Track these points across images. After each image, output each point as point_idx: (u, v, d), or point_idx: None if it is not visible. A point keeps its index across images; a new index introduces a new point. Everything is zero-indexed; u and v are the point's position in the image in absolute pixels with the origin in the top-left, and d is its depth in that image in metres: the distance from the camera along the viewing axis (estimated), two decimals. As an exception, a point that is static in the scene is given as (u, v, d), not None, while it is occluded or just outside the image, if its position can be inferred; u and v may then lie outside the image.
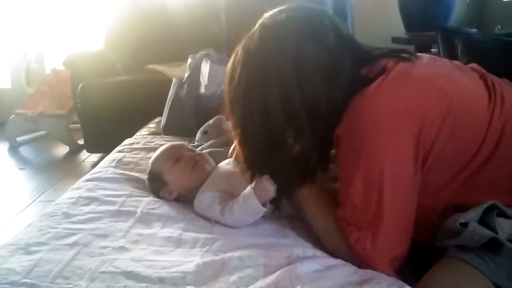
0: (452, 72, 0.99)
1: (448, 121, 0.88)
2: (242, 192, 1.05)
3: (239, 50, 0.96)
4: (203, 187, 1.17)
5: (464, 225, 0.85)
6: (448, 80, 0.94)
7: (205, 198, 1.13)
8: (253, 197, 1.02)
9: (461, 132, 0.89)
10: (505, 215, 0.86)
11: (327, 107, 0.91)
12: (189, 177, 1.21)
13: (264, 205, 1.03)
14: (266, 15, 0.96)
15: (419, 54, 1.01)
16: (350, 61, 0.93)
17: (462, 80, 0.97)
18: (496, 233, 0.83)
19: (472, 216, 0.86)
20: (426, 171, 0.89)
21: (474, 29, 2.35)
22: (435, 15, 2.74)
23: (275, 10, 0.96)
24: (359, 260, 0.91)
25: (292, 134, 0.93)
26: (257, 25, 0.96)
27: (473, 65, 1.05)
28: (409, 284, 0.84)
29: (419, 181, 0.89)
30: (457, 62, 1.05)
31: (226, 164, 1.25)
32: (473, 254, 0.84)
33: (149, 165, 1.30)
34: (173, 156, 1.26)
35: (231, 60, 0.98)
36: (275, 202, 1.05)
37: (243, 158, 1.02)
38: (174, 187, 1.23)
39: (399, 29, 2.98)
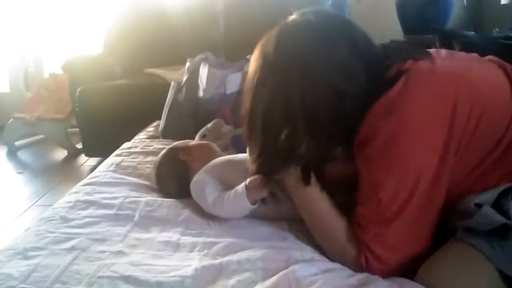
0: (473, 63, 1.00)
1: (476, 111, 0.88)
2: (236, 188, 1.09)
3: (258, 46, 0.98)
4: (201, 170, 1.21)
5: (479, 206, 0.85)
6: (471, 70, 0.95)
7: (200, 183, 1.17)
8: (244, 195, 1.07)
9: (487, 121, 0.89)
10: None
11: (333, 113, 0.92)
12: (210, 149, 1.32)
13: (254, 203, 1.07)
14: (289, 17, 0.98)
15: (436, 49, 1.01)
16: (363, 68, 0.92)
17: (484, 70, 0.98)
18: (509, 217, 0.83)
19: (487, 197, 0.86)
20: (456, 163, 0.90)
21: (472, 32, 2.36)
22: (432, 18, 2.75)
23: (295, 13, 0.97)
24: (368, 261, 0.90)
25: (286, 134, 0.94)
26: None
27: (490, 57, 1.06)
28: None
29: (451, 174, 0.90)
30: (474, 55, 1.05)
31: (226, 159, 1.27)
32: (482, 239, 0.83)
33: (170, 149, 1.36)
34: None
35: (253, 55, 0.99)
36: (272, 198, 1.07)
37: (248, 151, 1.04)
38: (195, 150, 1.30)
39: (397, 32, 2.98)
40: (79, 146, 3.23)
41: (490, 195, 0.87)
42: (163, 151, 1.36)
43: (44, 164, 3.29)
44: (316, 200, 0.99)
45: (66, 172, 3.05)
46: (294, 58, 0.92)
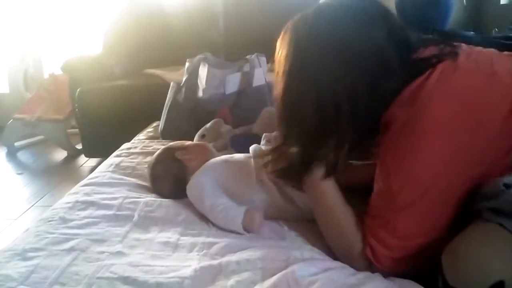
0: (493, 57, 0.99)
1: (502, 106, 0.88)
2: (233, 213, 1.07)
3: (288, 29, 0.96)
4: (197, 171, 1.21)
5: (508, 186, 0.83)
6: (493, 64, 0.94)
7: (197, 186, 1.17)
8: (239, 225, 1.05)
9: None
10: None
11: (367, 103, 0.91)
12: (207, 149, 1.33)
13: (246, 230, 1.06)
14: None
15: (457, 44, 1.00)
16: (396, 56, 0.91)
17: (506, 63, 0.97)
18: None
19: None
20: (488, 146, 0.88)
21: (472, 32, 2.35)
22: (432, 18, 2.74)
23: None
24: (374, 250, 0.90)
25: (319, 124, 0.93)
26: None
27: (506, 52, 1.05)
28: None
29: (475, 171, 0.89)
30: (492, 49, 1.04)
31: (224, 159, 1.27)
32: (509, 219, 0.81)
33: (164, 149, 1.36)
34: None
35: (283, 39, 0.97)
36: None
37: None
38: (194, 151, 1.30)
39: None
40: (79, 146, 3.23)
41: None
42: (158, 151, 1.36)
43: (44, 164, 3.29)
44: (331, 196, 0.99)
45: (66, 172, 3.05)
46: (331, 42, 0.90)
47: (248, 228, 1.05)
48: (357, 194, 1.00)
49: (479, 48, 1.04)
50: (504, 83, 0.90)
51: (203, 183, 1.17)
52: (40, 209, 2.33)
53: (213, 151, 1.34)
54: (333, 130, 0.93)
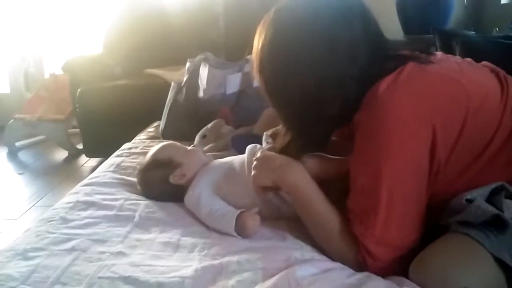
0: (465, 67, 1.01)
1: (464, 113, 0.90)
2: (227, 219, 1.06)
3: (270, 14, 0.98)
4: (194, 182, 1.20)
5: (470, 201, 0.85)
6: (463, 73, 0.96)
7: (193, 197, 1.17)
8: (233, 232, 1.04)
9: (476, 124, 0.91)
10: None
11: (338, 92, 0.93)
12: (202, 159, 1.28)
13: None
14: None
15: (432, 52, 1.03)
16: (369, 52, 0.93)
17: (476, 74, 0.99)
18: (502, 211, 0.83)
19: (479, 193, 0.87)
20: (446, 162, 0.91)
21: (472, 32, 2.35)
22: (433, 18, 2.74)
23: None
24: (364, 256, 0.90)
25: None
26: None
27: (484, 62, 1.07)
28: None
29: (435, 171, 0.90)
30: (468, 59, 1.07)
31: (221, 162, 1.28)
32: (476, 229, 0.83)
33: (150, 157, 1.31)
34: (182, 146, 1.33)
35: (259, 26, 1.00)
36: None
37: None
38: (188, 167, 1.24)
39: (397, 32, 2.98)
40: (80, 146, 3.23)
41: (481, 191, 0.88)
42: (149, 160, 1.31)
43: (44, 164, 3.29)
44: (314, 201, 0.99)
45: (66, 172, 3.05)
46: (309, 26, 0.92)
47: (242, 233, 1.04)
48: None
49: (455, 57, 1.07)
50: (466, 91, 0.91)
51: (199, 193, 1.16)
52: (41, 209, 2.33)
53: (206, 156, 1.31)
54: (313, 107, 0.95)
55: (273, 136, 1.24)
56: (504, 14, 2.68)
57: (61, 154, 3.38)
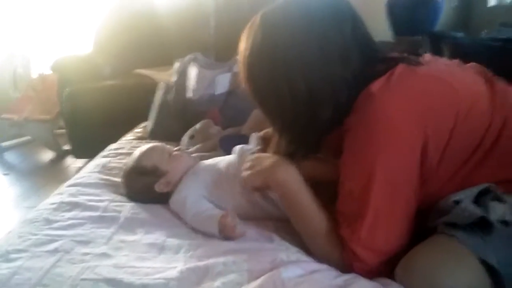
0: (455, 69, 1.01)
1: (454, 115, 0.89)
2: (211, 222, 1.04)
3: (257, 18, 0.97)
4: (180, 185, 1.19)
5: (457, 203, 0.85)
6: (452, 75, 0.96)
7: (179, 200, 1.16)
8: (218, 235, 1.03)
9: (465, 127, 0.90)
10: (499, 199, 0.86)
11: (330, 96, 0.92)
12: (187, 163, 1.25)
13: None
14: None
15: (422, 54, 1.03)
16: (359, 55, 0.93)
17: (465, 76, 0.99)
18: (488, 213, 0.83)
19: (466, 195, 0.87)
20: (437, 164, 0.90)
21: (461, 34, 2.37)
22: (422, 19, 2.76)
23: None
24: (350, 259, 0.90)
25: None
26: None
27: (472, 64, 1.08)
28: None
29: (426, 174, 0.90)
30: (456, 61, 1.07)
31: (207, 164, 1.26)
32: (462, 231, 0.83)
33: (134, 162, 1.27)
34: (166, 150, 1.29)
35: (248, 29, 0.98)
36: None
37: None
38: (173, 175, 1.22)
39: (387, 33, 2.99)
40: (67, 147, 3.20)
41: (469, 193, 0.87)
42: (133, 165, 1.27)
43: (30, 165, 3.26)
44: (302, 200, 0.99)
45: (53, 173, 3.02)
46: (300, 27, 0.91)
47: (225, 235, 1.03)
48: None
49: (443, 59, 1.07)
50: (457, 94, 0.91)
51: (185, 195, 1.15)
52: (27, 210, 2.29)
53: (191, 159, 1.30)
54: (305, 112, 0.94)
55: (265, 140, 1.23)
56: (492, 17, 2.70)
57: (48, 155, 3.35)
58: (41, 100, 3.43)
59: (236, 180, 1.13)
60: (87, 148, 2.80)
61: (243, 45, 0.98)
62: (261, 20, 0.95)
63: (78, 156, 3.05)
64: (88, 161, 2.07)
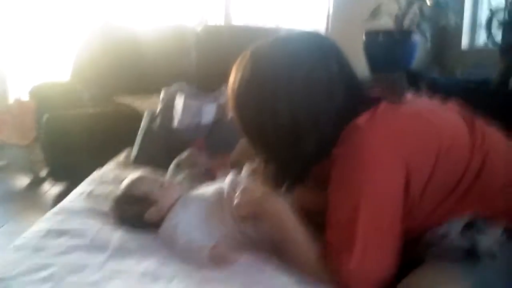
0: (435, 107, 1.06)
1: (436, 151, 0.93)
2: (201, 252, 1.05)
3: (247, 53, 1.01)
4: (170, 214, 1.19)
5: (444, 236, 0.89)
6: (433, 113, 1.01)
7: (170, 226, 1.15)
8: (207, 259, 1.03)
9: (447, 162, 0.94)
10: (484, 232, 0.90)
11: (314, 129, 0.96)
12: (177, 192, 1.25)
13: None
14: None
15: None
16: (344, 91, 0.97)
17: (445, 114, 1.04)
18: (475, 246, 0.86)
19: (452, 227, 0.90)
20: (420, 197, 0.93)
21: (436, 75, 2.46)
22: (397, 58, 2.86)
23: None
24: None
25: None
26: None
27: (451, 102, 1.12)
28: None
29: (409, 207, 0.93)
30: (436, 100, 1.11)
31: (197, 193, 1.26)
32: (451, 262, 0.87)
33: (124, 190, 1.27)
34: (156, 179, 1.29)
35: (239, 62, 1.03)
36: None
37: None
38: (164, 204, 1.22)
39: (364, 70, 3.08)
40: (43, 173, 3.14)
41: (455, 225, 0.91)
42: (123, 192, 1.28)
43: (5, 191, 3.17)
44: (291, 230, 1.00)
45: (29, 199, 2.94)
46: (287, 64, 0.96)
47: (217, 265, 1.03)
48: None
49: (424, 98, 1.13)
50: (438, 131, 0.96)
51: (176, 223, 1.15)
52: (2, 236, 2.23)
53: (181, 189, 1.30)
54: (288, 144, 0.98)
55: (257, 172, 1.25)
56: (465, 59, 2.83)
57: (23, 181, 3.28)
58: (16, 124, 3.38)
59: (226, 210, 1.15)
60: (65, 171, 2.77)
61: (233, 78, 1.02)
62: (251, 55, 1.00)
63: (55, 179, 2.98)
64: (66, 188, 2.05)
